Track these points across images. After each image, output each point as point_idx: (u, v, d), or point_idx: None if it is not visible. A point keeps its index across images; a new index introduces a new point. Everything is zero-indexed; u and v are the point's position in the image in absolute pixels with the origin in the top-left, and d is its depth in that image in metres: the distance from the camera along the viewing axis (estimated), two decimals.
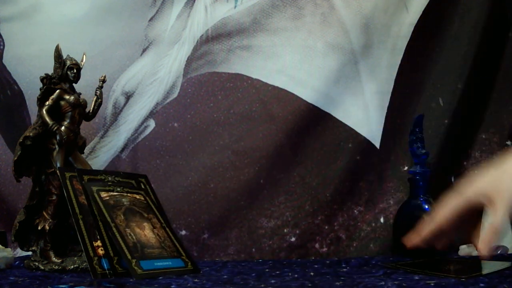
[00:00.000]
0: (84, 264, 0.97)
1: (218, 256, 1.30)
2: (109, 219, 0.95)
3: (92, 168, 1.10)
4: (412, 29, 1.34)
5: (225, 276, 0.91)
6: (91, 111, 1.13)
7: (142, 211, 1.02)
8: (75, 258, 1.01)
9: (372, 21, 1.33)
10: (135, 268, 0.89)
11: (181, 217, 1.31)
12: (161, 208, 1.08)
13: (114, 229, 0.93)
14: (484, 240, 0.63)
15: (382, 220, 1.31)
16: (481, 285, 0.70)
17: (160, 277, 0.88)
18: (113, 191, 1.02)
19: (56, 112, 1.07)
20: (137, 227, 0.97)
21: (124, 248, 0.91)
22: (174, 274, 0.92)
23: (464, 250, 1.17)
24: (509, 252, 1.14)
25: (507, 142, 1.30)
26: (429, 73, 1.34)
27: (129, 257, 0.90)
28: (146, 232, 0.97)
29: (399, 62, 1.34)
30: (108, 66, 1.33)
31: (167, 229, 1.02)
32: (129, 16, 1.36)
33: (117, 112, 1.36)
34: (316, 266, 1.05)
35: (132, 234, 0.95)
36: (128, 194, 1.03)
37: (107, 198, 0.99)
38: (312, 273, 0.91)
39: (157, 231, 1.00)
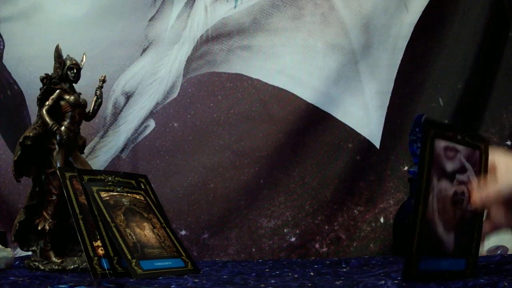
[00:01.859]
0: (84, 264, 0.97)
1: (218, 256, 1.30)
2: (109, 219, 0.94)
3: (92, 168, 1.10)
4: (412, 29, 1.34)
5: (225, 276, 0.91)
6: (91, 111, 1.13)
7: (142, 211, 1.02)
8: (75, 258, 1.01)
9: (372, 21, 1.33)
10: (135, 268, 0.89)
11: (181, 217, 1.31)
12: (161, 208, 1.08)
13: (114, 229, 0.93)
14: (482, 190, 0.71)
15: (382, 220, 1.31)
16: (481, 281, 0.70)
17: (160, 277, 0.88)
18: (113, 191, 1.02)
19: (56, 112, 1.07)
20: (137, 227, 0.97)
21: (124, 248, 0.91)
22: (174, 274, 0.91)
23: None
24: (509, 252, 1.14)
25: (507, 142, 1.30)
26: (429, 73, 1.34)
27: (129, 257, 0.90)
28: (146, 232, 0.97)
29: (399, 62, 1.34)
30: (108, 66, 1.33)
31: (167, 229, 1.02)
32: (129, 16, 1.36)
33: (117, 112, 1.36)
34: (316, 266, 1.04)
35: (132, 234, 0.95)
36: (128, 194, 1.03)
37: (107, 198, 0.99)
38: (312, 273, 0.91)
39: (157, 231, 1.00)
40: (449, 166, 0.69)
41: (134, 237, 0.94)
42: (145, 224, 0.99)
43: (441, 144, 0.68)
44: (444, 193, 0.68)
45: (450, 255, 0.70)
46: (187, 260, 0.98)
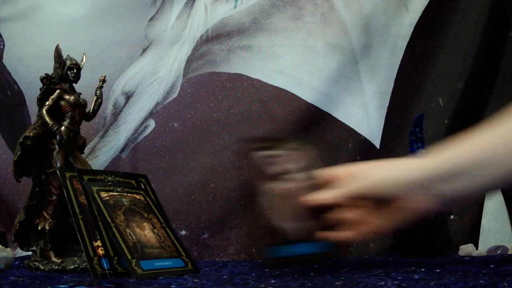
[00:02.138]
0: (84, 264, 0.97)
1: (218, 256, 1.30)
2: (109, 219, 0.95)
3: (92, 168, 1.10)
4: (412, 29, 1.34)
5: (225, 276, 0.91)
6: (91, 111, 1.13)
7: (142, 211, 1.02)
8: (75, 258, 1.01)
9: (372, 21, 1.33)
10: (135, 268, 0.89)
11: (181, 217, 1.31)
12: (161, 208, 1.08)
13: (114, 229, 0.93)
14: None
15: None
16: (481, 281, 0.70)
17: (160, 277, 0.88)
18: (113, 191, 1.02)
19: (56, 112, 1.07)
20: (137, 227, 0.97)
21: (124, 248, 0.91)
22: (174, 274, 0.91)
23: (464, 250, 1.17)
24: (509, 252, 1.14)
25: None
26: (429, 73, 1.34)
27: (129, 257, 0.90)
28: (146, 232, 0.97)
29: (399, 62, 1.34)
30: (108, 66, 1.33)
31: (167, 229, 1.02)
32: (129, 16, 1.36)
33: (117, 112, 1.36)
34: (316, 266, 1.04)
35: (132, 234, 0.95)
36: (128, 194, 1.03)
37: (107, 198, 0.99)
38: (312, 273, 0.91)
39: (157, 231, 1.00)
40: (272, 169, 0.85)
41: (134, 237, 0.94)
42: (145, 224, 0.99)
43: (259, 154, 0.85)
44: (272, 192, 0.84)
45: (302, 240, 0.85)
46: (187, 260, 0.98)
